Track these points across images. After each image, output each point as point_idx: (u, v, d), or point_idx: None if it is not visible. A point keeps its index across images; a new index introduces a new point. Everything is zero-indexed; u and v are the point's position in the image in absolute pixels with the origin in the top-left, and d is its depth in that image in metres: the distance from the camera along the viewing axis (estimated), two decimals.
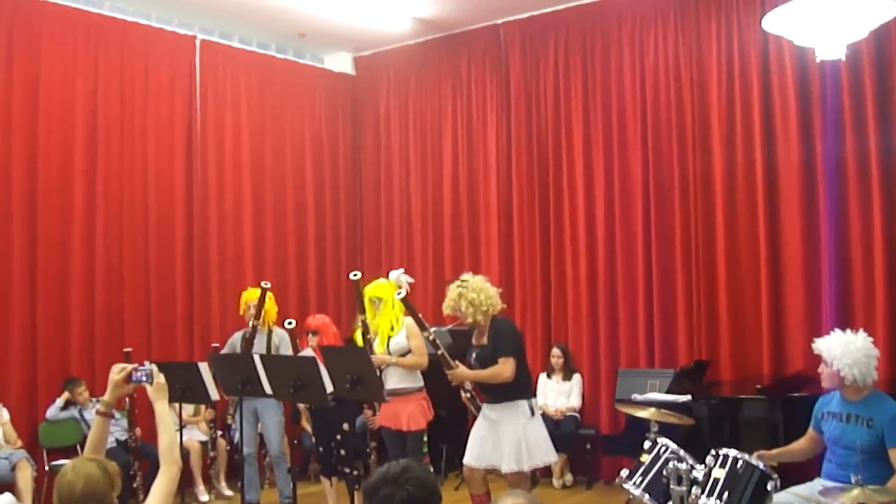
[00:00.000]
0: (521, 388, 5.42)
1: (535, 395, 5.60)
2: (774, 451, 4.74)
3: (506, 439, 5.32)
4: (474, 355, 5.47)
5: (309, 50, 9.67)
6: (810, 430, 4.78)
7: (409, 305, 5.67)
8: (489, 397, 5.45)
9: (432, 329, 5.62)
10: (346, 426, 6.46)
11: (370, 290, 5.94)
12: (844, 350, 4.46)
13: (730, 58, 7.42)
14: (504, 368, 5.31)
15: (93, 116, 7.61)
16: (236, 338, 7.06)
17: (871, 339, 4.58)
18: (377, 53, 9.71)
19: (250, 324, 6.78)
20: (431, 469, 5.99)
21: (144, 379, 3.37)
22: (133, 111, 7.89)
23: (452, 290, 5.49)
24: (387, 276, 6.16)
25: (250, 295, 6.95)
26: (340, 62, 9.86)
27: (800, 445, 4.83)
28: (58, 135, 7.38)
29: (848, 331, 4.63)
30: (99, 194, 7.61)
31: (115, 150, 7.74)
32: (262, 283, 6.79)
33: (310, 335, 6.61)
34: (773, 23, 3.55)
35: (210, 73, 8.52)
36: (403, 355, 5.81)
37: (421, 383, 5.88)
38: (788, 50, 6.93)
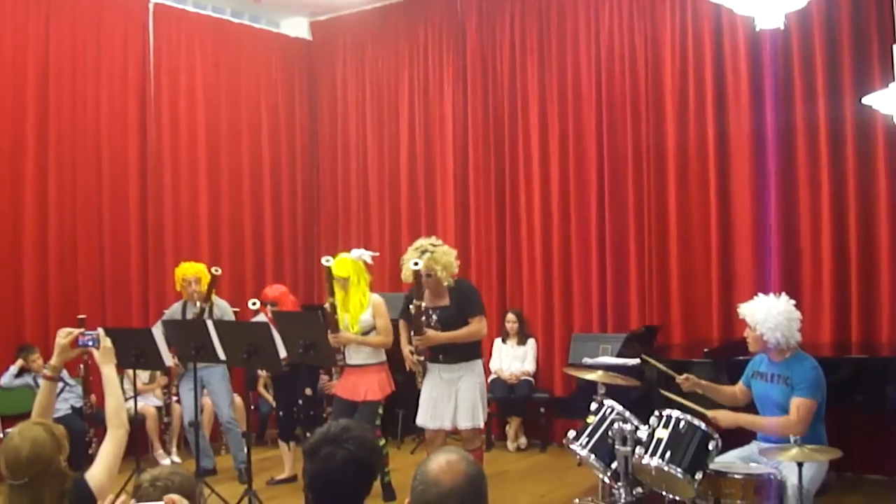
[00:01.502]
0: (478, 347, 5.61)
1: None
2: (704, 382, 4.89)
3: (464, 397, 5.46)
4: (435, 317, 5.51)
5: (265, 14, 9.57)
6: (740, 383, 4.91)
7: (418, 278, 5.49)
8: (448, 358, 5.50)
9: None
10: (308, 391, 6.49)
11: (336, 270, 5.84)
12: (767, 314, 4.56)
13: (683, 28, 7.47)
14: (481, 327, 5.51)
15: (44, 81, 7.50)
16: (175, 309, 6.98)
17: (793, 301, 4.68)
18: (334, 18, 9.65)
19: (198, 304, 6.73)
20: (383, 442, 6.02)
21: (91, 343, 3.39)
22: (86, 76, 7.79)
23: (424, 256, 5.41)
24: (347, 252, 6.06)
25: (185, 270, 6.87)
26: (296, 27, 9.77)
27: (728, 390, 4.95)
28: (9, 99, 7.28)
29: (770, 294, 4.74)
30: (52, 160, 7.52)
31: (67, 115, 7.64)
32: (213, 270, 6.70)
33: (268, 306, 6.58)
34: None
35: (164, 37, 8.42)
36: (368, 332, 5.83)
37: (383, 357, 5.90)
38: (741, 21, 6.97)
